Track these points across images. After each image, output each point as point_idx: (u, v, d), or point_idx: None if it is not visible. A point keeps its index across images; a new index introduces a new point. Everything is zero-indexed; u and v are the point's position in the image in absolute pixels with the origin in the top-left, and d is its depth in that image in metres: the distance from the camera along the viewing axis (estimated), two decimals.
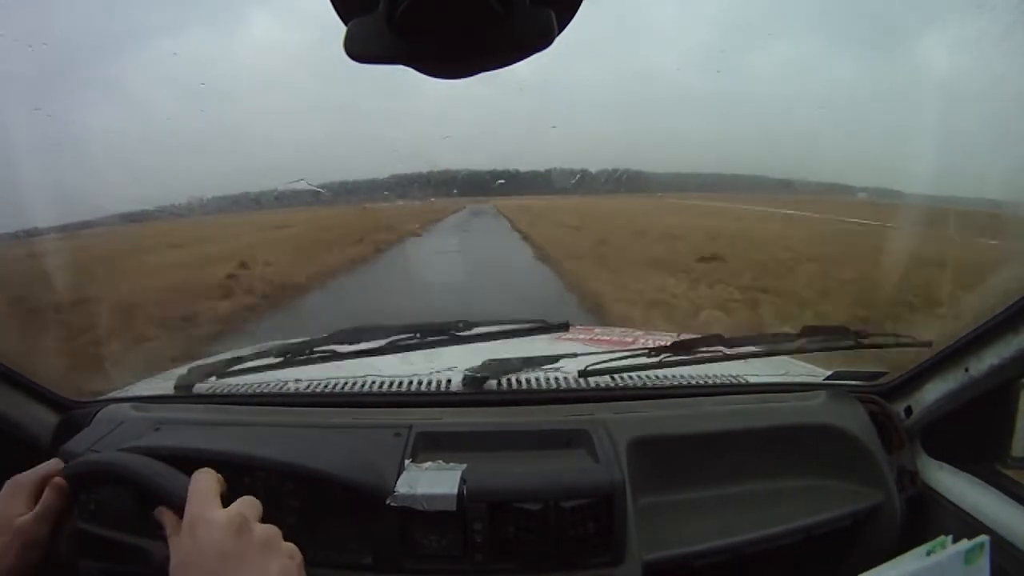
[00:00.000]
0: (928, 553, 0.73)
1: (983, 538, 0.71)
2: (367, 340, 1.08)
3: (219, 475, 0.59)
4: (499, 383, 1.03)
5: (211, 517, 0.54)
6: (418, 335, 1.09)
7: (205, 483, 0.57)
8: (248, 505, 0.57)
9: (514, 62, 0.39)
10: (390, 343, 1.08)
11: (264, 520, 0.57)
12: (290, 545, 0.56)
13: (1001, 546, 0.76)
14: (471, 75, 0.40)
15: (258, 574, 0.51)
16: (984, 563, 0.71)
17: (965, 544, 0.71)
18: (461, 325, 1.10)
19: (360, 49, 0.37)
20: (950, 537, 0.73)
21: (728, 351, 1.04)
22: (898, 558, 0.74)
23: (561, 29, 0.38)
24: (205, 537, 0.52)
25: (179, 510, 0.56)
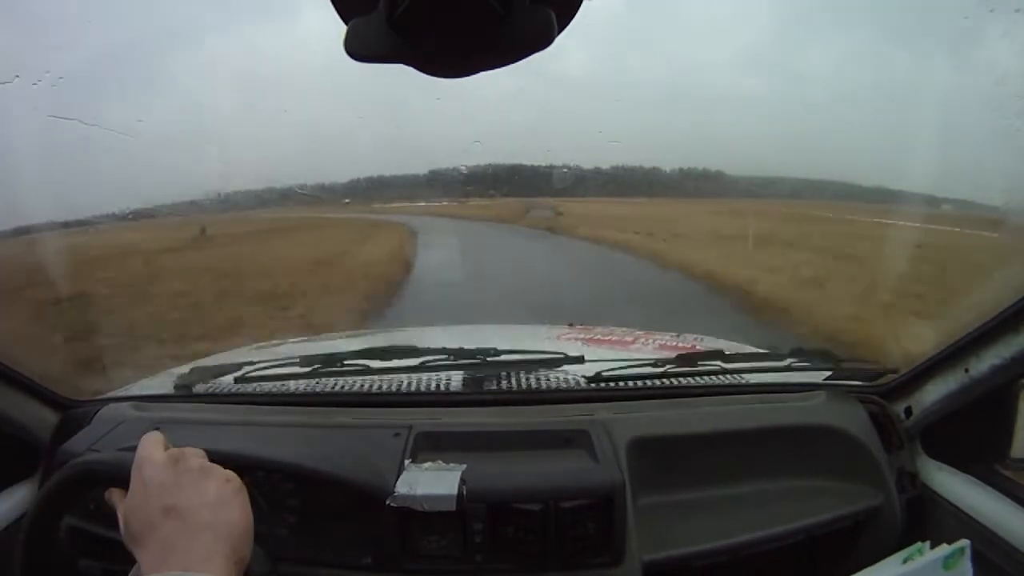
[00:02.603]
0: (904, 560, 0.71)
1: (964, 542, 0.69)
2: (398, 358, 1.07)
3: (164, 436, 0.62)
4: (499, 383, 1.03)
5: (153, 456, 0.57)
6: (451, 357, 1.07)
7: (151, 437, 0.60)
8: (189, 448, 0.60)
9: (514, 61, 0.39)
10: (422, 363, 1.06)
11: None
12: (228, 471, 0.58)
13: (1001, 547, 0.76)
14: (471, 74, 0.40)
15: (195, 497, 0.54)
16: (966, 567, 0.68)
17: (944, 549, 0.69)
18: (492, 351, 1.08)
19: (360, 48, 0.37)
20: (927, 543, 0.72)
21: (726, 365, 1.08)
22: (871, 567, 0.72)
23: (561, 29, 0.38)
24: (148, 473, 0.56)
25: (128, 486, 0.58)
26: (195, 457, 0.59)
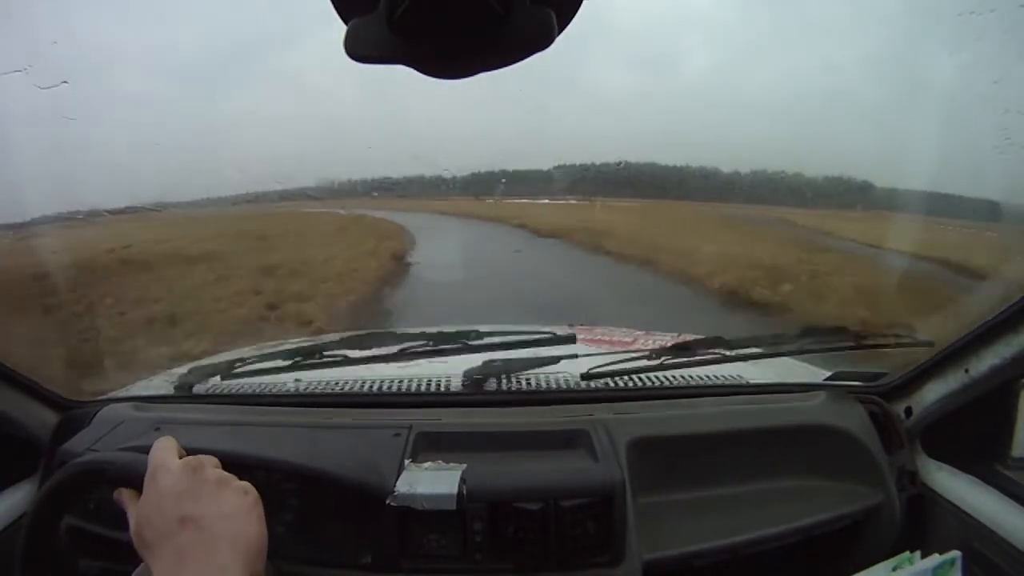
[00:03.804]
0: (894, 569, 0.70)
1: (955, 553, 0.69)
2: (378, 346, 1.08)
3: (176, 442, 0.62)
4: (499, 383, 1.03)
5: (169, 464, 0.57)
6: (430, 342, 1.08)
7: (164, 443, 0.60)
8: (205, 456, 0.60)
9: (514, 62, 0.39)
10: (401, 350, 1.07)
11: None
12: (245, 483, 0.58)
13: (1001, 547, 0.76)
14: (471, 75, 0.40)
15: (213, 508, 0.54)
16: None
17: (934, 559, 0.69)
18: (473, 334, 1.09)
19: (360, 49, 0.37)
20: (917, 553, 0.71)
21: (728, 352, 1.06)
22: (859, 574, 0.72)
23: (561, 29, 0.38)
24: (163, 481, 0.55)
25: (139, 487, 0.58)
26: (211, 466, 0.58)
